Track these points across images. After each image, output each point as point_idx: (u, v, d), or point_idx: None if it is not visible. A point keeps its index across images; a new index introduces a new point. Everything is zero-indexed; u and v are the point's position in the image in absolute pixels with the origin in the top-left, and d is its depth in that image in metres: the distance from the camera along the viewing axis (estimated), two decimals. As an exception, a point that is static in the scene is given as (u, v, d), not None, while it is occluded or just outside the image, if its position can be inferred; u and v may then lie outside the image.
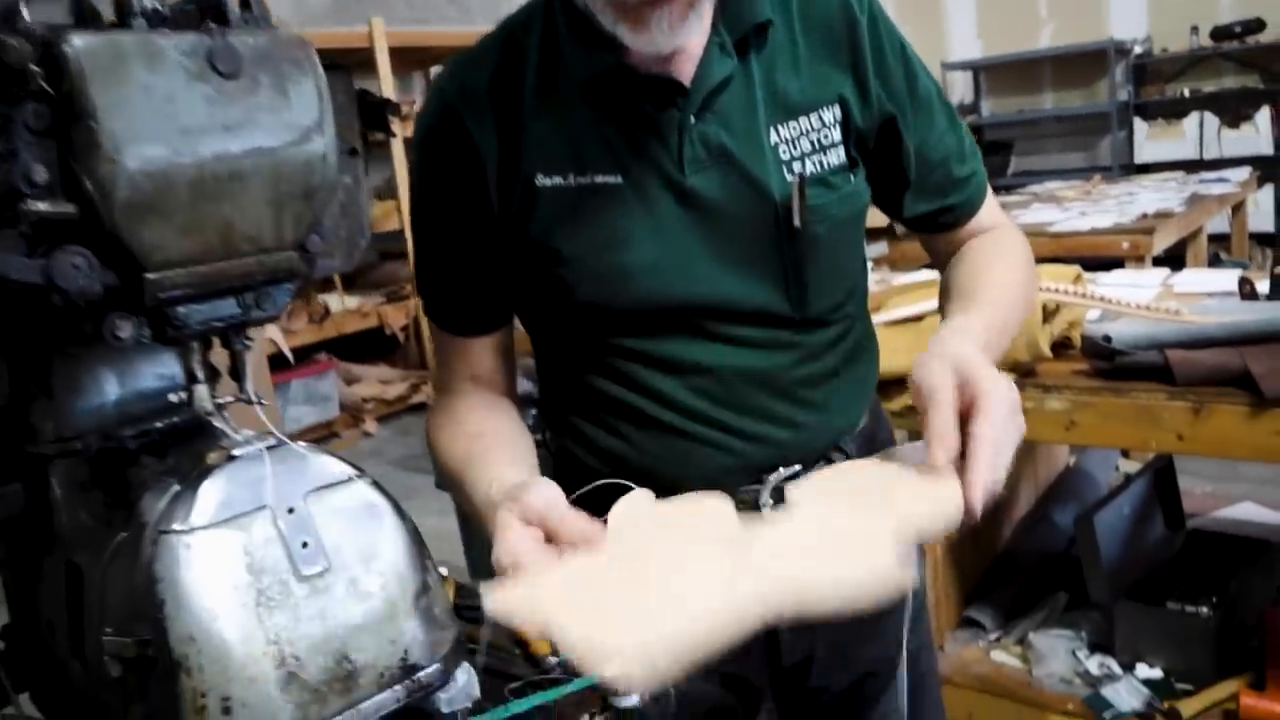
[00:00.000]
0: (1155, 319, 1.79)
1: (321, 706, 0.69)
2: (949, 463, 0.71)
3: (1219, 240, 5.16)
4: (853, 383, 1.02)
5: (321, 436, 4.95)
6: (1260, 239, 5.85)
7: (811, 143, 0.92)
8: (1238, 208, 4.72)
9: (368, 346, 5.48)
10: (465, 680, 0.86)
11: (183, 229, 0.67)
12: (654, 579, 0.69)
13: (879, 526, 0.70)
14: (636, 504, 0.77)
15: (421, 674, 0.76)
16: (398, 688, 0.74)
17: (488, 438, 0.93)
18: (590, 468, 1.00)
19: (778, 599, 0.65)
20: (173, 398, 0.81)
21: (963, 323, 0.86)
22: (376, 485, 0.78)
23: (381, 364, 5.59)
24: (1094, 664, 2.02)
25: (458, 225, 0.95)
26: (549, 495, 0.73)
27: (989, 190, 1.06)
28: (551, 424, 1.05)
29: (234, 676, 0.66)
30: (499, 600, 0.68)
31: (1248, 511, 2.49)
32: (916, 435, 2.71)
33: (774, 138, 0.91)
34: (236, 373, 0.76)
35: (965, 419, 0.73)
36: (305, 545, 0.71)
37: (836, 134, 0.93)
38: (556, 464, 1.07)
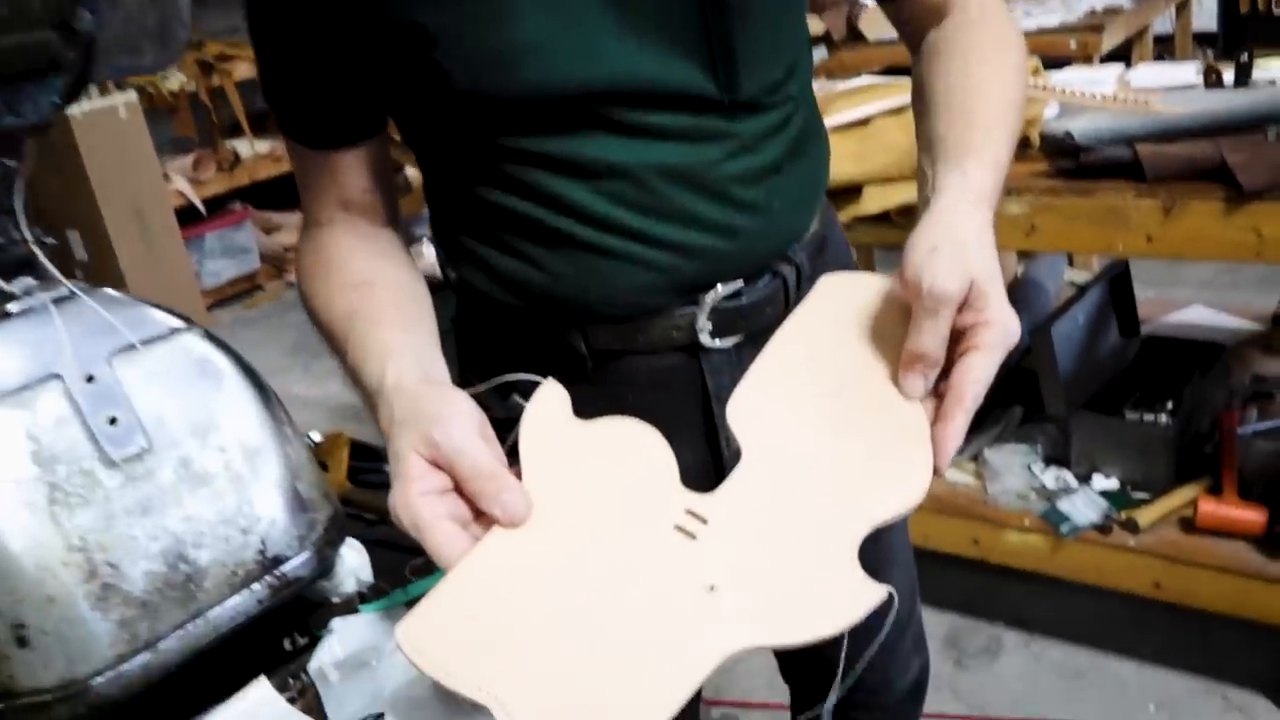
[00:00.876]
0: (1122, 110, 1.64)
1: (154, 622, 0.55)
2: (923, 393, 0.64)
3: (1161, 43, 4.99)
4: (798, 179, 0.87)
5: (243, 290, 4.78)
6: (1202, 39, 5.68)
7: None
8: (1182, 6, 4.58)
9: (285, 193, 5.17)
10: (356, 563, 0.73)
11: None
12: (590, 594, 0.57)
13: (839, 535, 0.59)
14: (550, 421, 0.65)
15: (287, 566, 0.61)
16: (256, 586, 0.60)
17: (374, 289, 0.77)
18: (496, 300, 0.85)
19: (735, 644, 0.55)
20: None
21: (975, 184, 0.72)
22: (210, 336, 0.62)
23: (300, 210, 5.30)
24: (1050, 477, 1.96)
25: (303, 9, 0.75)
26: (459, 437, 0.60)
27: None
28: (448, 252, 0.89)
29: (26, 597, 0.51)
30: (409, 638, 0.55)
31: (1198, 315, 2.44)
32: (864, 249, 2.60)
33: None
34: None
35: (956, 338, 0.64)
36: (114, 422, 0.55)
37: None
38: (459, 301, 0.91)
